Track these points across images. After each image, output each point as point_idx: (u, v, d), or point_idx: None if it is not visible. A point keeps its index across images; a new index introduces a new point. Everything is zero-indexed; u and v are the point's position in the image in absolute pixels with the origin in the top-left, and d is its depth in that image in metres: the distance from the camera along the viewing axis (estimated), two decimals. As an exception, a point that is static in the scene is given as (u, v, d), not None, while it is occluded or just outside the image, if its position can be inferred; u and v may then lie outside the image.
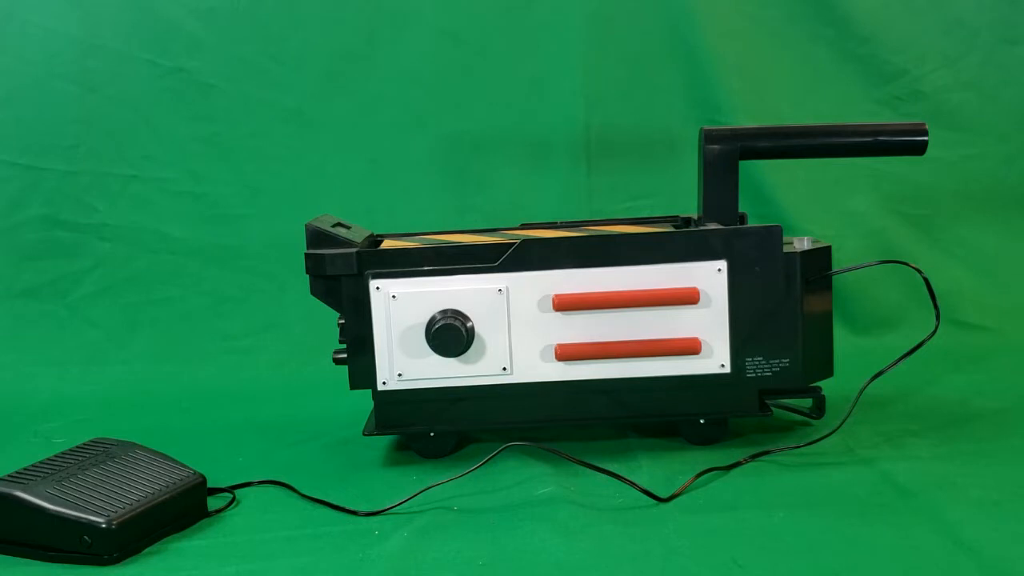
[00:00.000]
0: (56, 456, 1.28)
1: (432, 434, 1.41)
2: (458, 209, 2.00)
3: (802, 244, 1.40)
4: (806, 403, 1.49)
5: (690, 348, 1.36)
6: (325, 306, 1.41)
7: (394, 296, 1.36)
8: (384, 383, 1.37)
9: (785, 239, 1.39)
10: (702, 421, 1.41)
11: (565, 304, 1.35)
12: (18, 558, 1.17)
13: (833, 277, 1.44)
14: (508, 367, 1.37)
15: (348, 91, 2.00)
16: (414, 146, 2.02)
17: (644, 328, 1.36)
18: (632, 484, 1.26)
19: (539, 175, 2.02)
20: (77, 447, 1.31)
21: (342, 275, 1.37)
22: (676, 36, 2.01)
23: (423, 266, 1.37)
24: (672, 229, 1.46)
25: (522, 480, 1.32)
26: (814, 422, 1.47)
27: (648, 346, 1.36)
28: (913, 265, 1.49)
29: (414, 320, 1.36)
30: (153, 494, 1.21)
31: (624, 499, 1.24)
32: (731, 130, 1.46)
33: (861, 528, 1.13)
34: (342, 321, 1.39)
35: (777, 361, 1.38)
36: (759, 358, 1.37)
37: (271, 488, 1.35)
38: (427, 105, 2.01)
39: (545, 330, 1.36)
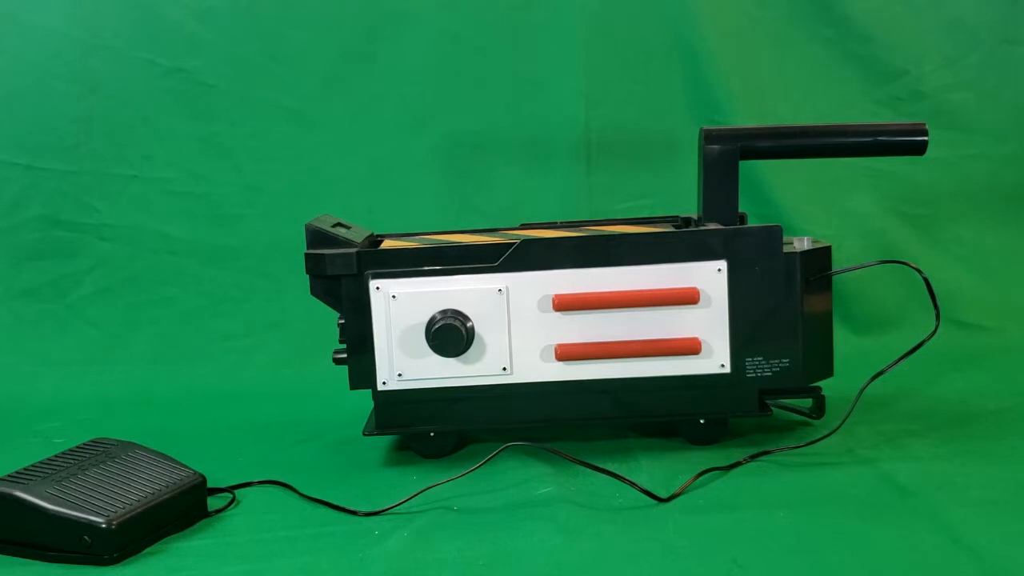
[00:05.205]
0: (56, 456, 1.28)
1: (432, 434, 1.41)
2: (458, 209, 2.00)
3: (802, 244, 1.40)
4: (806, 403, 1.49)
5: (690, 348, 1.36)
6: (325, 306, 1.41)
7: (394, 296, 1.36)
8: (384, 383, 1.37)
9: (785, 239, 1.38)
10: (702, 421, 1.41)
11: (565, 304, 1.35)
12: (18, 558, 1.17)
13: (833, 277, 1.44)
14: (508, 367, 1.37)
15: (348, 91, 2.00)
16: (414, 146, 2.01)
17: (644, 328, 1.36)
18: (632, 484, 1.26)
19: (539, 175, 2.02)
20: (77, 447, 1.31)
21: (342, 275, 1.37)
22: (676, 36, 2.01)
23: (423, 266, 1.37)
24: (672, 229, 1.46)
25: (522, 480, 1.32)
26: (814, 422, 1.47)
27: (648, 346, 1.36)
28: (913, 265, 1.49)
29: (414, 320, 1.36)
30: (153, 494, 1.21)
31: (624, 499, 1.24)
32: (731, 130, 1.46)
33: (861, 528, 1.13)
34: (342, 321, 1.39)
35: (777, 361, 1.38)
36: (759, 358, 1.37)
37: (271, 488, 1.35)
38: (427, 105, 2.01)
39: (545, 330, 1.36)
